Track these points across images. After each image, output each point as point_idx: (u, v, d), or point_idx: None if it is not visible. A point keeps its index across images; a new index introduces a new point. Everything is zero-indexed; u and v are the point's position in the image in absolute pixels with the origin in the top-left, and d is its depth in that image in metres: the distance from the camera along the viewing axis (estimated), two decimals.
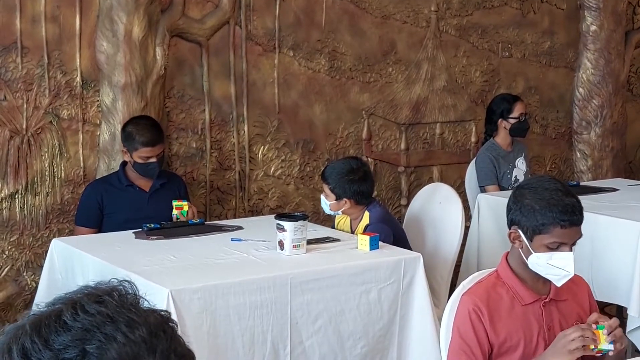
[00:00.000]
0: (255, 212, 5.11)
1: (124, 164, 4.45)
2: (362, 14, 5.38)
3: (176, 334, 1.16)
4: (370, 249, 3.65)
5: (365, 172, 4.21)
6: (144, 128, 4.35)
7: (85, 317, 1.10)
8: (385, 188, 5.57)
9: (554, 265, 2.61)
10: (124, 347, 1.09)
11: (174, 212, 4.27)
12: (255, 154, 5.13)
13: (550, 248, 2.60)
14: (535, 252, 2.62)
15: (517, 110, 5.33)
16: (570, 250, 2.62)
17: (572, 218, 2.59)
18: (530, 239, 2.63)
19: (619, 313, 4.46)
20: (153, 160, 4.33)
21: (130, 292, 1.17)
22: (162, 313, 1.17)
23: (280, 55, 5.13)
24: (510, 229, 2.70)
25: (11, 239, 4.47)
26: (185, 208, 4.28)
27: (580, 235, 2.64)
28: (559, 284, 2.66)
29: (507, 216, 2.73)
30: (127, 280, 1.20)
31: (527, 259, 2.65)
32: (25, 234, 4.50)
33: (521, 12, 5.98)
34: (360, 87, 5.42)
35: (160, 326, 1.13)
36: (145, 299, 1.19)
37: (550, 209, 2.58)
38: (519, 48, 6.01)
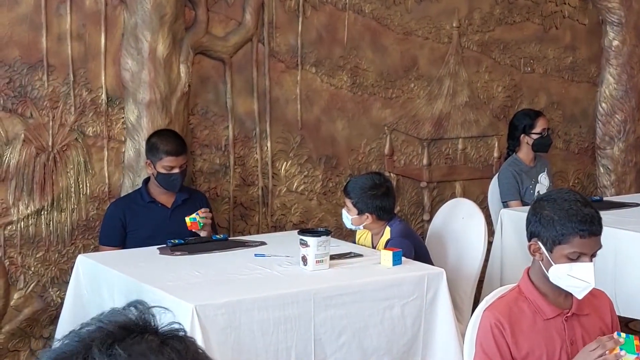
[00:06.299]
0: (278, 227, 5.13)
1: (146, 181, 4.49)
2: (384, 30, 5.39)
3: None
4: (393, 265, 3.66)
5: (388, 188, 4.22)
6: (167, 138, 4.40)
7: None
8: (407, 203, 5.57)
9: (574, 277, 2.62)
10: None
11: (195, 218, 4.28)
12: (278, 170, 5.15)
13: (571, 259, 2.61)
14: (555, 263, 2.62)
15: (540, 126, 5.32)
16: (591, 260, 2.62)
17: (591, 228, 2.61)
18: (550, 250, 2.63)
19: None
20: (176, 171, 4.37)
21: (151, 327, 1.15)
22: (176, 346, 1.14)
23: (303, 72, 5.16)
24: (530, 241, 2.71)
25: (37, 255, 4.51)
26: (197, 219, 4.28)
27: (599, 246, 2.65)
28: (580, 296, 2.66)
29: (527, 229, 2.74)
30: (137, 303, 1.19)
31: (547, 272, 2.65)
32: (51, 250, 4.53)
33: (543, 27, 5.98)
34: (382, 103, 5.44)
35: None
36: (166, 309, 1.18)
37: (570, 219, 2.60)
38: (541, 63, 6.00)
